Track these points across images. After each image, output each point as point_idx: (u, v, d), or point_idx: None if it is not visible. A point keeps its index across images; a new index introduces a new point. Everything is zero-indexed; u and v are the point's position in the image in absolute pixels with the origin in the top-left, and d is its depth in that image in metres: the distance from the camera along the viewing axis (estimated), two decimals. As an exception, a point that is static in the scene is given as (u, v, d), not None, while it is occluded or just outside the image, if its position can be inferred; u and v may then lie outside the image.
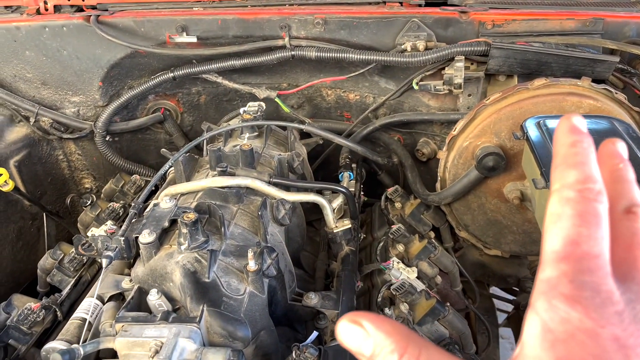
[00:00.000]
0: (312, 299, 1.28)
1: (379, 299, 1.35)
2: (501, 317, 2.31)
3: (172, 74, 1.81)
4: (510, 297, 2.27)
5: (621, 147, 0.44)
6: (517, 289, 2.02)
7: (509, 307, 2.32)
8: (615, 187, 0.41)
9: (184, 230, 1.12)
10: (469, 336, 1.35)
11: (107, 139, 1.94)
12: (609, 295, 0.35)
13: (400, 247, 1.51)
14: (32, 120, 1.89)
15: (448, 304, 1.36)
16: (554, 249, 0.37)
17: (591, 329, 0.34)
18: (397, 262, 1.43)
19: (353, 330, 0.38)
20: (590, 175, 0.38)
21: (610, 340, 0.34)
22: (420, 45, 1.64)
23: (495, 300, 2.20)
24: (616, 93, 1.41)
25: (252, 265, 1.11)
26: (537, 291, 0.37)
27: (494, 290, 2.27)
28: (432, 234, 1.70)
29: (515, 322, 2.28)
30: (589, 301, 0.35)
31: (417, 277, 1.41)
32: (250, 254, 1.11)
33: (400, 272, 1.40)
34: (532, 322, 0.36)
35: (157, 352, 0.98)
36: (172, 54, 1.78)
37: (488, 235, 1.67)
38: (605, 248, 0.37)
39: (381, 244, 1.53)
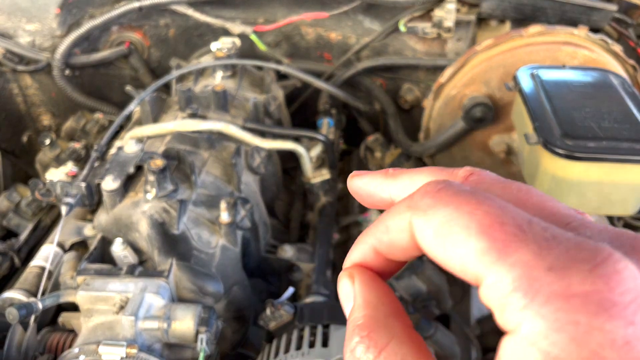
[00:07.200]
0: (287, 252, 1.22)
1: (356, 252, 1.30)
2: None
3: (138, 4, 1.65)
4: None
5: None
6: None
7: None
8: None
9: (151, 178, 1.03)
10: (446, 292, 1.33)
11: (66, 73, 1.78)
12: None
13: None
14: (-19, 49, 1.72)
15: (426, 257, 1.32)
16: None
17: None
18: (376, 214, 1.37)
19: (344, 288, 0.32)
20: None
21: None
22: (410, -17, 1.52)
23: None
24: (612, 44, 1.34)
25: (225, 217, 1.04)
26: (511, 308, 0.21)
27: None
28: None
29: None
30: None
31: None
32: (223, 205, 1.03)
33: (378, 225, 1.35)
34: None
35: (122, 307, 0.92)
36: (137, -20, 1.62)
37: (468, 188, 1.63)
38: None
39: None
